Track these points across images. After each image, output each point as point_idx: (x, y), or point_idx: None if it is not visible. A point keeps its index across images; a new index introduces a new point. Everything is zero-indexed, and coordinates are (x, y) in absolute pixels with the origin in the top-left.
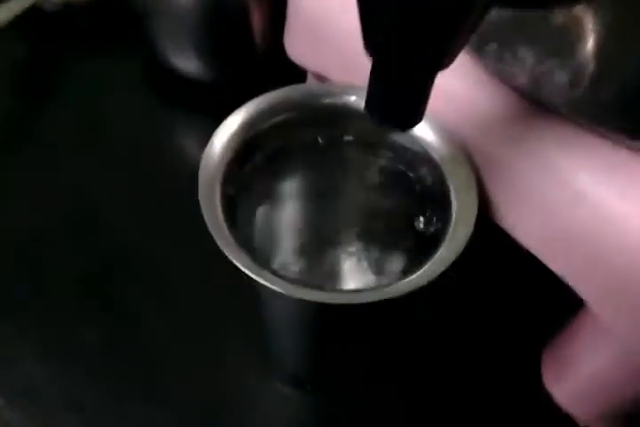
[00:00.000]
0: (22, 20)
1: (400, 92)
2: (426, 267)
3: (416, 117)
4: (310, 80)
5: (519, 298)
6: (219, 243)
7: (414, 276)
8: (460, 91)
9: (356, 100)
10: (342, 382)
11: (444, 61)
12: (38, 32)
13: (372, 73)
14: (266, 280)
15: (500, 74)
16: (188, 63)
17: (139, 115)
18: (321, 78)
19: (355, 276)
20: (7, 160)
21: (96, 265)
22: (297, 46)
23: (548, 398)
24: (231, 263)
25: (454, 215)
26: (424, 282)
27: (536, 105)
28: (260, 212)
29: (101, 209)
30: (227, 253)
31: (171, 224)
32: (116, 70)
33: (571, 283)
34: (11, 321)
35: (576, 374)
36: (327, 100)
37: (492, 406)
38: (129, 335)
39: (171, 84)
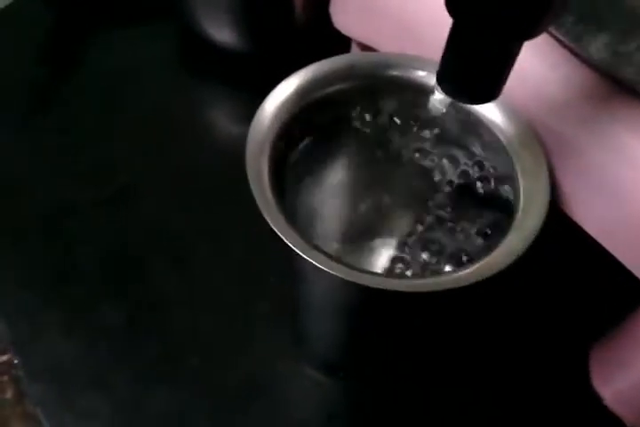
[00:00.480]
0: None
1: (480, 61)
2: (490, 257)
3: (494, 91)
4: (355, 51)
5: (568, 294)
6: (269, 220)
7: (477, 266)
8: (531, 68)
9: (421, 74)
10: (376, 371)
11: (535, 28)
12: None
13: (450, 38)
14: (317, 261)
15: (579, 50)
16: (223, 33)
17: (171, 87)
18: (366, 49)
19: (401, 267)
20: (31, 130)
21: (124, 241)
22: (345, 15)
23: (595, 399)
24: (266, 237)
25: (522, 202)
26: (489, 274)
27: (613, 85)
28: (307, 190)
29: (128, 182)
30: (278, 232)
31: (200, 200)
32: (148, 40)
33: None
34: (37, 295)
35: (626, 375)
36: (392, 72)
37: (538, 405)
38: (155, 314)
39: (205, 56)
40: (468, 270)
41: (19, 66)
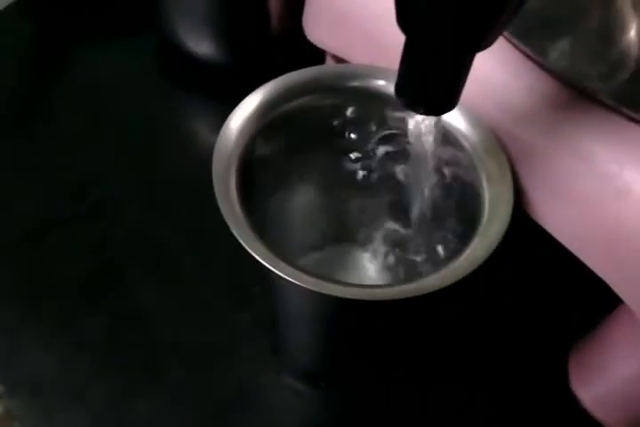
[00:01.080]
0: None
1: (434, 73)
2: (455, 263)
3: (450, 102)
4: (329, 63)
5: (546, 297)
6: (236, 234)
7: (441, 274)
8: (496, 77)
9: (385, 84)
10: (356, 380)
11: (483, 41)
12: (48, 11)
13: (404, 52)
14: (286, 273)
15: (541, 60)
16: (201, 45)
17: (151, 98)
18: (340, 61)
19: (372, 273)
20: (13, 143)
21: (103, 253)
22: (317, 27)
23: (574, 402)
24: (245, 252)
25: (487, 209)
26: (452, 281)
27: (577, 93)
28: (277, 199)
29: (109, 194)
30: (245, 246)
31: (183, 211)
32: (127, 52)
33: (610, 282)
34: (15, 309)
35: (605, 379)
36: (354, 83)
37: (518, 409)
38: (135, 325)
39: (184, 68)
40: (430, 278)
41: (1, 79)
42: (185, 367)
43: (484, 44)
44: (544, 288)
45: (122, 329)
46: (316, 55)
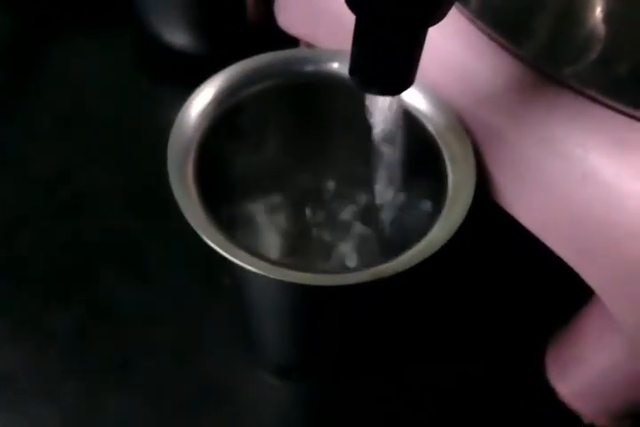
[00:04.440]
0: None
1: (385, 52)
2: (415, 248)
3: (404, 82)
4: (300, 49)
5: (522, 288)
6: (190, 221)
7: (403, 257)
8: (460, 59)
9: (340, 66)
10: (329, 371)
11: (431, 16)
12: (24, 5)
13: (355, 31)
14: (242, 260)
15: (505, 42)
16: (178, 36)
17: (128, 91)
18: (313, 47)
19: (338, 258)
20: None
21: (75, 249)
22: (287, 14)
23: (551, 394)
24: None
25: (450, 191)
26: (412, 264)
27: (542, 76)
28: (239, 185)
29: (86, 189)
30: (199, 232)
31: (156, 207)
32: (104, 45)
33: (577, 268)
34: None
35: (581, 371)
36: (310, 67)
37: (494, 401)
38: (104, 321)
39: (160, 58)
40: (389, 263)
41: None
42: (156, 363)
43: (432, 18)
44: (520, 281)
45: (92, 326)
46: (292, 43)
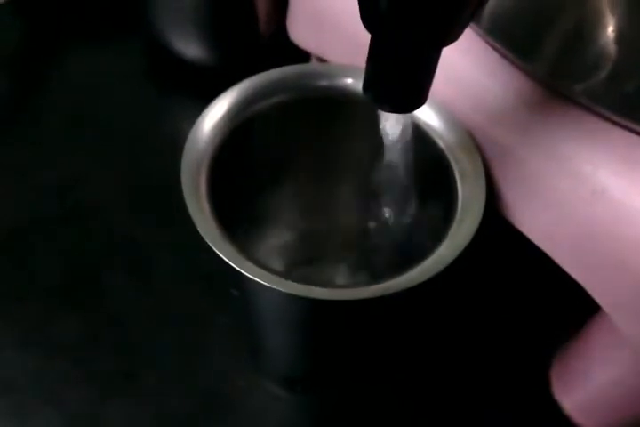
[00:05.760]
0: (22, 0)
1: (400, 70)
2: (424, 264)
3: (417, 100)
4: (314, 63)
5: (528, 302)
6: (201, 232)
7: (411, 273)
8: (471, 76)
9: (354, 82)
10: (334, 384)
11: (446, 37)
12: (36, 12)
13: (370, 49)
14: (252, 273)
15: (516, 59)
16: (189, 47)
17: (137, 100)
18: (324, 62)
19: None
20: None
21: (79, 255)
22: (299, 29)
23: (556, 408)
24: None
25: (459, 207)
26: (421, 280)
27: (553, 93)
28: (252, 199)
29: (94, 199)
30: (211, 244)
31: (162, 214)
32: (114, 54)
33: (585, 285)
34: None
35: (586, 385)
36: (324, 82)
37: (499, 415)
38: (112, 329)
39: (171, 69)
40: (398, 278)
41: None
42: (160, 371)
43: (449, 37)
44: (526, 295)
45: (96, 332)
46: (303, 57)
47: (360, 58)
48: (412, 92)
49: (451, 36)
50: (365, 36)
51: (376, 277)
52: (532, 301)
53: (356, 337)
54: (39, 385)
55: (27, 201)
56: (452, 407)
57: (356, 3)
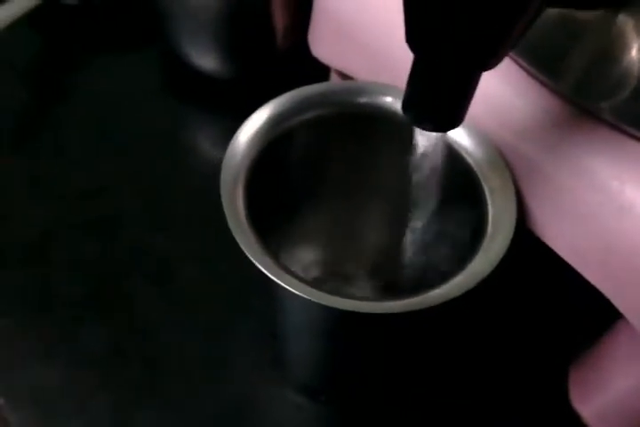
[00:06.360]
0: (40, 12)
1: (441, 90)
2: (458, 278)
3: (456, 119)
4: (334, 78)
5: (547, 310)
6: (242, 245)
7: (445, 287)
8: (500, 95)
9: (393, 101)
10: (358, 395)
11: (490, 60)
12: (56, 26)
13: (412, 69)
14: (289, 285)
15: (543, 78)
16: (206, 60)
17: (155, 112)
18: (345, 77)
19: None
20: (18, 156)
21: (105, 265)
22: (322, 44)
23: (574, 417)
24: (247, 263)
25: (490, 225)
26: (456, 294)
27: (579, 111)
28: (287, 211)
29: (115, 209)
30: (249, 256)
31: (185, 224)
32: (132, 66)
33: (611, 298)
34: (16, 321)
35: (605, 394)
36: (363, 99)
37: (517, 423)
38: (136, 338)
39: (188, 82)
40: (434, 292)
41: (8, 93)
42: (185, 381)
43: (493, 61)
44: (544, 303)
45: (122, 342)
46: (321, 71)
47: (384, 73)
48: (451, 112)
49: (496, 60)
50: (390, 52)
51: (405, 293)
52: (550, 309)
53: (383, 350)
54: (67, 396)
55: (49, 211)
56: (471, 416)
57: (382, 17)
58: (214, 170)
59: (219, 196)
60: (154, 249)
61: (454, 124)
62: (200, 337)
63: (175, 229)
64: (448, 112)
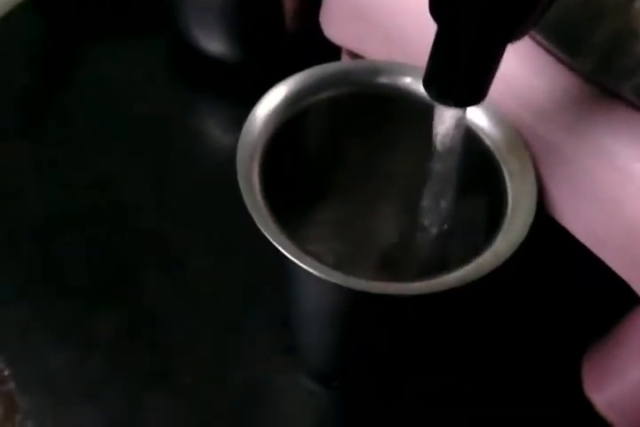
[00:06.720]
0: None
1: (465, 64)
2: (479, 260)
3: (479, 94)
4: (344, 60)
5: (560, 301)
6: (259, 225)
7: (464, 269)
8: (517, 74)
9: (411, 81)
10: (370, 381)
11: (517, 32)
12: (61, 9)
13: (435, 43)
14: (309, 266)
15: (562, 56)
16: (215, 43)
17: (163, 97)
18: (356, 57)
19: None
20: (26, 143)
21: (117, 252)
22: (335, 24)
23: (587, 405)
24: (259, 247)
25: (510, 206)
26: (477, 276)
27: (599, 90)
28: (301, 196)
29: (122, 194)
30: (268, 236)
31: (196, 210)
32: (140, 51)
33: (630, 281)
34: (29, 307)
35: (619, 383)
36: (382, 80)
37: (531, 412)
38: (147, 324)
39: (197, 66)
40: (454, 274)
41: (13, 78)
42: (198, 367)
43: (518, 33)
44: (559, 292)
45: (135, 328)
46: (331, 54)
47: (397, 53)
48: (475, 87)
49: (521, 32)
50: (403, 31)
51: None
52: (565, 297)
53: (397, 335)
54: (78, 380)
55: (57, 200)
56: (484, 403)
57: None
58: (226, 155)
59: (229, 182)
60: (165, 235)
61: (478, 99)
62: (212, 323)
63: (185, 216)
64: (471, 87)
